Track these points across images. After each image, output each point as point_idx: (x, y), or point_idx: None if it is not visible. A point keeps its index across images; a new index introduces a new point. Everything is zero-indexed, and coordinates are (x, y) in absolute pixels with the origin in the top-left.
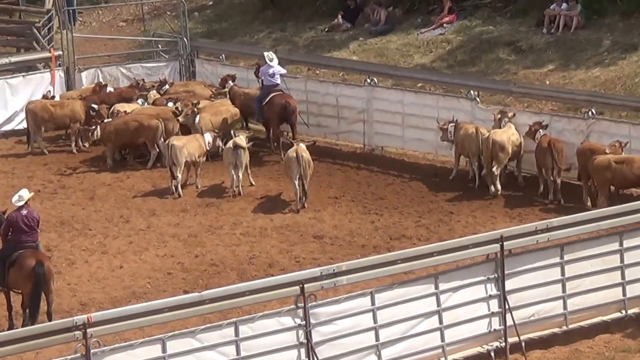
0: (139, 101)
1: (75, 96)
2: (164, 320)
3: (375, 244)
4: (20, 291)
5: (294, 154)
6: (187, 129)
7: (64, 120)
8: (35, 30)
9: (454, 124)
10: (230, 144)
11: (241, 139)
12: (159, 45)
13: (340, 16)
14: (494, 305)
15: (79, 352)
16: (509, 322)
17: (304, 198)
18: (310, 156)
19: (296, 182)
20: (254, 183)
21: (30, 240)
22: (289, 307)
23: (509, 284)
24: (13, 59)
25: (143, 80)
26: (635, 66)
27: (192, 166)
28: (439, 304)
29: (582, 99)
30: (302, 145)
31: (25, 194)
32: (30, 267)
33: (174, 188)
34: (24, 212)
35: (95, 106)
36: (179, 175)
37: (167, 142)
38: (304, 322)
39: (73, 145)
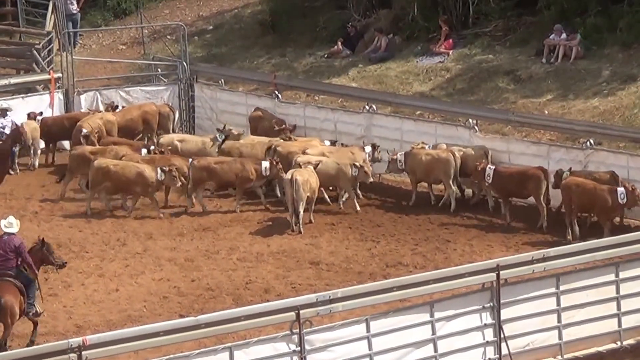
0: None
1: None
2: (159, 344)
3: (371, 271)
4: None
5: (289, 177)
6: None
7: None
8: (35, 52)
9: (402, 153)
10: None
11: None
12: (159, 69)
13: (340, 42)
14: (489, 334)
15: None
16: (504, 351)
17: (299, 223)
18: (314, 180)
19: (290, 205)
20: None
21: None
22: (284, 332)
23: (505, 313)
24: (12, 81)
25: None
26: (634, 97)
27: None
28: (434, 332)
29: (581, 129)
30: (309, 168)
31: (14, 221)
32: None
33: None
34: (5, 237)
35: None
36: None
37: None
38: (299, 348)
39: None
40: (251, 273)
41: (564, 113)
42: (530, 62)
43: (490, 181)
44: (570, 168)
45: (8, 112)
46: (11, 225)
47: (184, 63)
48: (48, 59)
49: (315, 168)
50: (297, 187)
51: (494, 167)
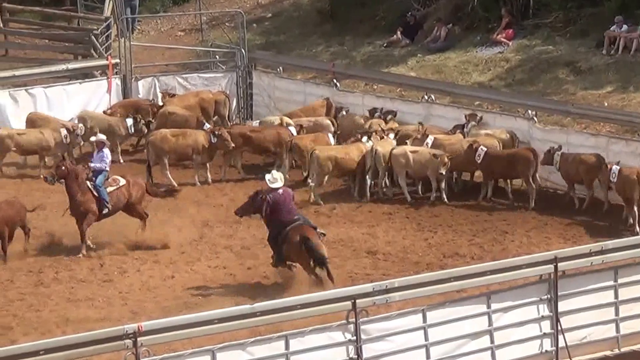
0: None
1: None
2: (214, 332)
3: (428, 262)
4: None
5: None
6: None
7: None
8: (93, 37)
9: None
10: None
11: None
12: (217, 56)
13: (399, 32)
14: (546, 326)
15: None
16: (561, 343)
17: (383, 189)
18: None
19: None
20: None
21: (288, 218)
22: (340, 322)
23: (562, 306)
24: (70, 66)
25: None
26: None
27: None
28: (490, 324)
29: None
30: (389, 139)
31: (278, 175)
32: (297, 243)
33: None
34: (281, 192)
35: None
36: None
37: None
38: (354, 338)
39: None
40: None
41: (624, 105)
42: (590, 54)
43: (480, 161)
44: (560, 146)
45: (105, 144)
46: (276, 180)
47: (242, 50)
48: (106, 44)
49: (396, 136)
50: (377, 158)
51: (485, 149)
